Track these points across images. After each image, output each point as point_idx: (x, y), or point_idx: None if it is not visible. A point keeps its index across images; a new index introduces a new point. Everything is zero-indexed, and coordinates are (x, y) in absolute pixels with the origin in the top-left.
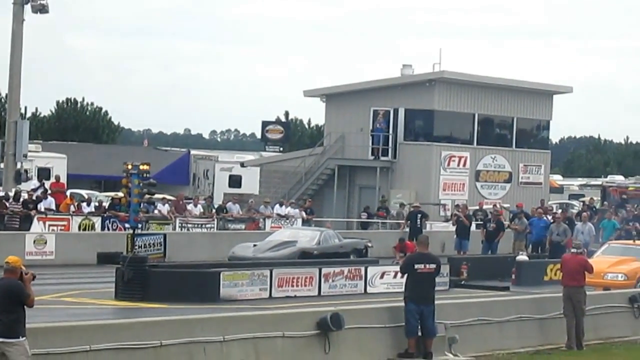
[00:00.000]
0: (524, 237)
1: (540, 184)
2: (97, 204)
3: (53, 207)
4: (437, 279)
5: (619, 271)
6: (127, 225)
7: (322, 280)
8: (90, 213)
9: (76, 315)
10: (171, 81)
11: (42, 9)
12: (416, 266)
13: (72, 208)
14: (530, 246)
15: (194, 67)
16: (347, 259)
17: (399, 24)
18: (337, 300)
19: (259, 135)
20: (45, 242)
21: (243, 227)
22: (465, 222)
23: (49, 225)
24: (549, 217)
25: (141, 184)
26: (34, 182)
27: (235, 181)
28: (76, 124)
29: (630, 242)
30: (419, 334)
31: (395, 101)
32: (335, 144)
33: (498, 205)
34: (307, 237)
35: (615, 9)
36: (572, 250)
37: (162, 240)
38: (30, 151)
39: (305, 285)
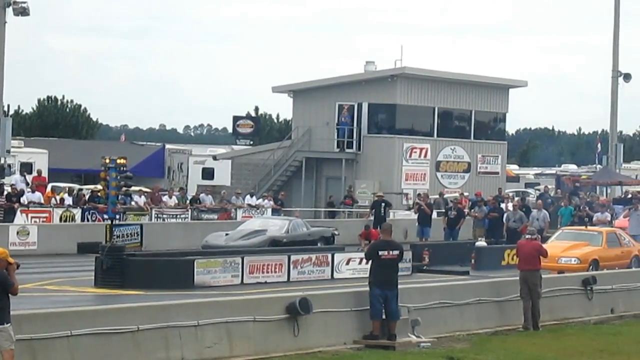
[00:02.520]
0: (482, 224)
1: (498, 173)
2: (77, 196)
3: (42, 200)
4: (400, 265)
5: (572, 255)
6: (105, 216)
7: (291, 266)
8: (70, 205)
9: (57, 302)
10: (147, 79)
11: (23, 12)
12: (380, 252)
13: (53, 200)
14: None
15: (168, 65)
16: (314, 246)
17: (362, 23)
18: (305, 286)
19: (230, 130)
20: (28, 233)
21: (216, 217)
22: (426, 211)
23: (32, 217)
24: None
25: (119, 177)
26: (17, 177)
27: (208, 173)
28: (57, 121)
29: (583, 227)
30: (383, 317)
31: (359, 96)
32: (302, 137)
33: (460, 195)
34: (276, 226)
35: (567, 7)
36: (527, 236)
37: (138, 230)
38: (13, 147)
39: (275, 272)
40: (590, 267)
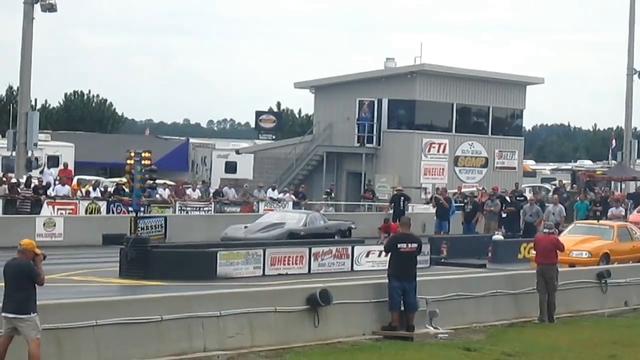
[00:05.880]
0: (497, 217)
1: (515, 168)
2: (102, 189)
3: (69, 194)
4: (419, 257)
5: (583, 249)
6: (130, 208)
7: (312, 259)
8: (96, 197)
9: (83, 292)
10: (171, 74)
11: (51, 8)
12: (399, 245)
13: (79, 193)
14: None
15: (192, 61)
16: (334, 239)
17: (383, 20)
18: (325, 278)
19: (253, 125)
20: (55, 225)
21: (238, 210)
22: (444, 205)
23: (58, 209)
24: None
25: (143, 170)
26: (46, 170)
27: (230, 167)
28: (83, 115)
29: (595, 222)
30: (402, 308)
31: (379, 92)
32: (323, 132)
33: (483, 189)
34: (294, 219)
35: (583, 5)
36: (544, 230)
37: (162, 222)
38: (40, 140)
39: (296, 264)
40: (601, 261)
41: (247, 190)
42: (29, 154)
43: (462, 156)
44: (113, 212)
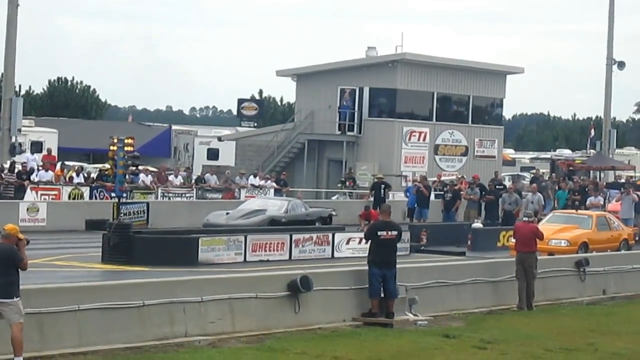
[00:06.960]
0: (476, 205)
1: (494, 157)
2: (85, 175)
3: (53, 180)
4: (399, 245)
5: (562, 238)
6: (113, 194)
7: (293, 245)
8: (79, 183)
9: (66, 277)
10: (154, 61)
11: None
12: (379, 233)
13: (62, 178)
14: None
15: (175, 48)
16: (314, 226)
17: (365, 9)
18: (306, 264)
19: (235, 112)
20: (38, 210)
21: (220, 196)
22: (424, 192)
23: (41, 195)
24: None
25: (126, 157)
26: (28, 155)
27: (213, 154)
28: (66, 101)
29: (573, 211)
30: (382, 295)
31: (360, 80)
32: (305, 120)
33: (461, 177)
34: (276, 206)
35: None
36: (524, 218)
37: (145, 208)
38: (24, 126)
39: (277, 250)
40: (580, 250)
41: (229, 177)
42: (13, 139)
43: (442, 144)
44: (96, 198)
